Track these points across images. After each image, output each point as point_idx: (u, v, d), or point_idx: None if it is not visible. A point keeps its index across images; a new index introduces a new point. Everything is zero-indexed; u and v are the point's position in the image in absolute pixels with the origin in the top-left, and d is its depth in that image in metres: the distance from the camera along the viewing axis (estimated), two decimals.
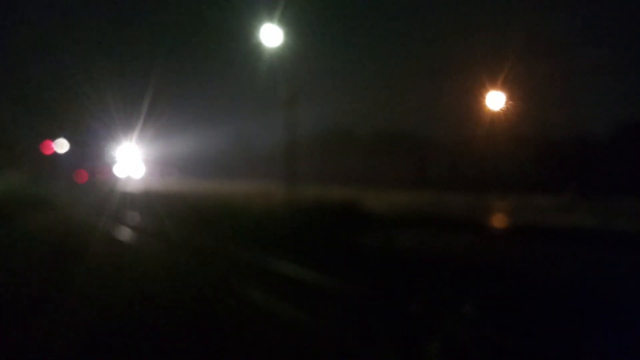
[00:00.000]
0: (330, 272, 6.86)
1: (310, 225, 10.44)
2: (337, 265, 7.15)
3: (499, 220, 13.22)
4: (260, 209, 14.40)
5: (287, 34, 12.63)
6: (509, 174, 16.15)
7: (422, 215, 12.82)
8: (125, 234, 12.66)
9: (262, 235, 10.09)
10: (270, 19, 12.33)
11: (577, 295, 5.77)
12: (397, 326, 5.20)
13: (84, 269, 8.02)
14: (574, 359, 4.45)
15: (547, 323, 4.95)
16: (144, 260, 9.44)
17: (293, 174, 14.87)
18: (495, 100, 9.47)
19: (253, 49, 12.84)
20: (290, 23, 12.70)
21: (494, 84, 9.38)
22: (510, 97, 9.49)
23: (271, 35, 12.46)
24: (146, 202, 17.64)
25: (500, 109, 9.38)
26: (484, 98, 9.74)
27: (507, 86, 9.39)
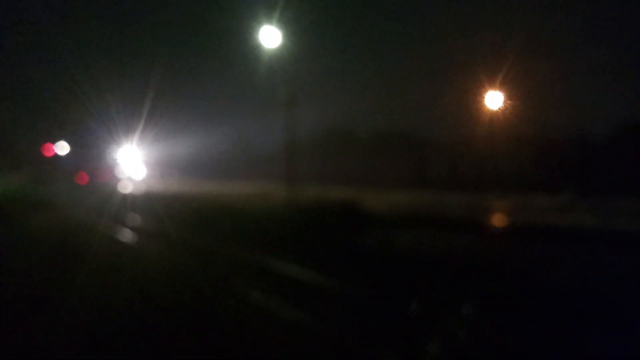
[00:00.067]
0: (330, 272, 6.86)
1: (310, 225, 10.44)
2: (337, 266, 7.16)
3: (498, 220, 13.22)
4: (260, 210, 14.40)
5: (286, 36, 12.65)
6: (508, 174, 16.15)
7: (421, 215, 12.83)
8: (125, 234, 12.66)
9: (262, 235, 10.10)
10: (269, 20, 12.35)
11: (577, 295, 5.78)
12: (397, 326, 5.21)
13: (85, 269, 8.02)
14: (574, 359, 4.46)
15: (546, 323, 4.95)
16: (144, 261, 9.44)
17: (293, 175, 14.88)
18: (495, 100, 9.47)
19: (252, 50, 12.87)
20: (289, 24, 12.73)
21: (493, 84, 9.39)
22: (510, 97, 9.49)
23: (270, 36, 12.49)
24: (147, 203, 17.66)
25: (500, 109, 9.39)
26: (484, 98, 9.74)
27: (506, 86, 9.40)
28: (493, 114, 9.61)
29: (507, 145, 14.82)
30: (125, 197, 19.46)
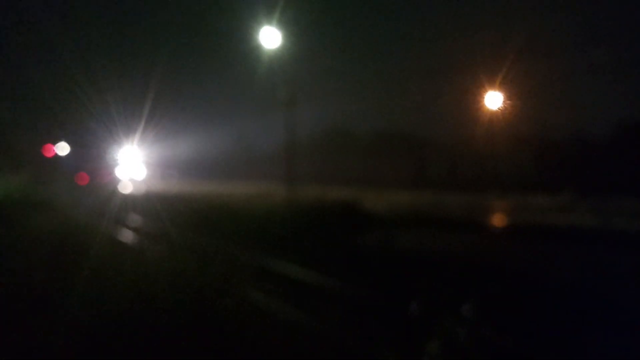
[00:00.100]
0: (330, 273, 6.87)
1: (310, 225, 10.45)
2: (336, 266, 7.16)
3: (498, 220, 13.23)
4: (260, 210, 14.41)
5: (286, 36, 12.67)
6: (508, 174, 16.15)
7: (421, 216, 12.83)
8: (126, 235, 12.68)
9: (262, 235, 10.11)
10: (269, 21, 12.37)
11: (577, 295, 5.78)
12: (396, 326, 5.21)
13: (85, 270, 8.02)
14: (574, 359, 4.46)
15: (546, 323, 4.95)
16: (144, 261, 9.45)
17: (293, 175, 14.90)
18: (495, 100, 9.47)
19: (252, 51, 12.88)
20: (289, 25, 12.74)
21: (493, 84, 9.39)
22: (510, 96, 9.49)
23: (270, 37, 12.51)
24: (147, 203, 17.66)
25: (500, 109, 9.39)
26: (484, 98, 9.75)
27: (506, 86, 9.39)
28: (493, 114, 9.61)
29: (506, 145, 14.82)
30: (125, 198, 19.47)
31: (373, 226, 11.38)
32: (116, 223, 14.34)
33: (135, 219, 15.37)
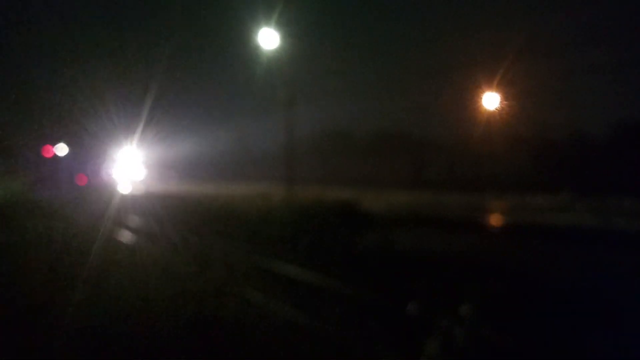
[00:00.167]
0: (330, 273, 6.88)
1: (309, 225, 10.45)
2: (336, 266, 7.17)
3: (497, 220, 13.25)
4: (259, 211, 14.41)
5: (284, 37, 12.69)
6: (507, 174, 16.17)
7: (420, 216, 12.85)
8: (125, 235, 12.68)
9: (261, 236, 10.11)
10: (268, 22, 12.38)
11: (576, 295, 5.79)
12: (396, 326, 5.22)
13: (84, 271, 8.02)
14: (574, 359, 4.47)
15: (545, 323, 4.96)
16: (144, 262, 9.45)
17: (292, 176, 14.90)
18: (494, 100, 9.48)
19: (251, 52, 12.90)
20: (287, 26, 12.75)
21: (492, 84, 9.39)
22: (509, 97, 9.50)
23: (269, 38, 12.52)
24: (146, 204, 17.66)
25: (499, 109, 9.39)
26: (482, 98, 9.75)
27: (505, 86, 9.40)
28: (491, 114, 9.62)
29: (505, 145, 14.83)
30: (124, 198, 19.46)
31: (372, 226, 11.38)
32: (115, 224, 14.33)
33: (134, 219, 15.36)
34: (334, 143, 22.10)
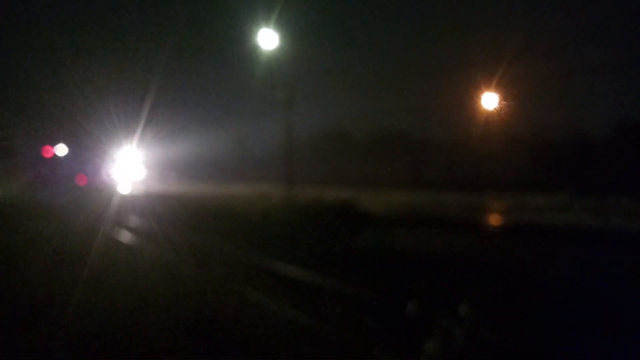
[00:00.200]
0: (329, 273, 6.89)
1: (309, 225, 10.46)
2: (336, 266, 7.18)
3: (496, 220, 13.26)
4: (259, 211, 14.42)
5: (283, 38, 12.70)
6: (506, 174, 16.19)
7: (420, 216, 12.87)
8: (125, 236, 12.68)
9: (261, 236, 10.12)
10: (267, 23, 12.39)
11: (575, 295, 5.80)
12: (395, 326, 5.23)
13: (85, 271, 8.03)
14: (573, 359, 4.47)
15: (545, 323, 4.97)
16: (144, 262, 9.46)
17: (291, 176, 14.91)
18: (493, 100, 9.48)
19: (250, 52, 12.91)
20: (286, 26, 12.76)
21: (491, 84, 9.40)
22: (508, 97, 9.51)
23: (268, 38, 12.53)
24: (146, 204, 17.66)
25: (498, 109, 9.40)
26: (482, 98, 9.76)
27: (504, 86, 9.41)
28: (491, 114, 9.63)
29: (505, 145, 14.85)
30: (124, 199, 19.46)
31: (372, 226, 11.39)
32: (115, 224, 14.33)
33: (134, 219, 15.36)
34: (333, 143, 22.11)
